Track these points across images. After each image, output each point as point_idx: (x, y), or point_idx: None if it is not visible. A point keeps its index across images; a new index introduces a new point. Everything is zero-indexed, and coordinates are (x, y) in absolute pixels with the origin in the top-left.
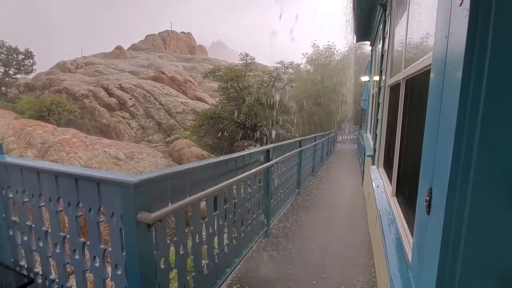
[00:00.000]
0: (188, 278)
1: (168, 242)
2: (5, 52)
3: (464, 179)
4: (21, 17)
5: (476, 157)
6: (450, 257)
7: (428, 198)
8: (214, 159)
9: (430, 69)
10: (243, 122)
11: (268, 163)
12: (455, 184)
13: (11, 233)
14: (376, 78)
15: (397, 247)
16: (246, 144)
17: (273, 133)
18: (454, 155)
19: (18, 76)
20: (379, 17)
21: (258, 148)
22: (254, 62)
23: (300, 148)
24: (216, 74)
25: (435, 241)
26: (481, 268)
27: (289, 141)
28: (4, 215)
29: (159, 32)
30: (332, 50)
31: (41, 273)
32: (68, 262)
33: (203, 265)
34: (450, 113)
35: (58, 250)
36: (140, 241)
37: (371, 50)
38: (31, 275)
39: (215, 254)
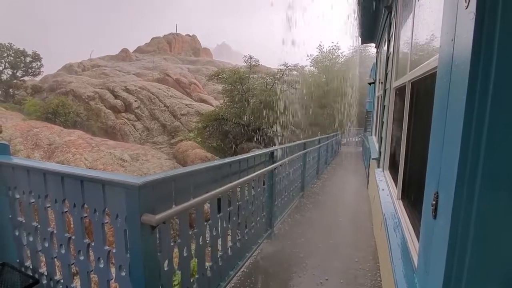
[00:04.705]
0: (191, 280)
1: (171, 244)
2: (13, 55)
3: (470, 183)
4: (28, 20)
5: (483, 161)
6: (456, 262)
7: (434, 202)
8: (218, 161)
9: (436, 71)
10: (247, 124)
11: (272, 165)
12: (461, 189)
13: (17, 233)
14: (382, 80)
15: (402, 251)
16: (250, 146)
17: (277, 135)
18: (461, 159)
19: (26, 78)
20: (384, 20)
21: (262, 150)
22: (258, 64)
23: (305, 151)
24: (221, 76)
25: (442, 246)
26: (488, 274)
27: (293, 143)
28: (10, 216)
29: (165, 35)
30: (336, 51)
31: (46, 274)
32: (73, 263)
33: (206, 267)
34: (457, 117)
35: (63, 251)
36: (144, 242)
37: (376, 52)
38: (36, 276)
39: (218, 256)
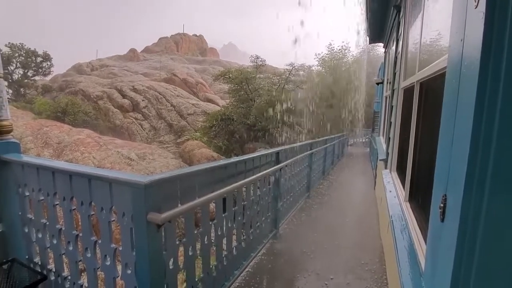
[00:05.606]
0: (196, 280)
1: (177, 243)
2: (24, 55)
3: (479, 186)
4: (30, 21)
5: (492, 163)
6: (464, 266)
7: (442, 205)
8: (224, 161)
9: (445, 72)
10: (253, 124)
11: (278, 165)
12: (470, 191)
13: (26, 230)
14: (390, 80)
15: (409, 254)
16: (256, 146)
17: (283, 135)
18: (470, 161)
19: (36, 78)
20: (392, 19)
21: (268, 151)
22: (265, 64)
23: (311, 151)
24: (227, 76)
25: (449, 249)
26: (497, 278)
27: (299, 143)
28: (20, 213)
29: (172, 35)
30: (345, 51)
31: (54, 270)
32: (80, 260)
33: (211, 266)
34: (466, 118)
35: (71, 248)
36: (149, 241)
37: (385, 52)
38: (45, 272)
39: (223, 256)
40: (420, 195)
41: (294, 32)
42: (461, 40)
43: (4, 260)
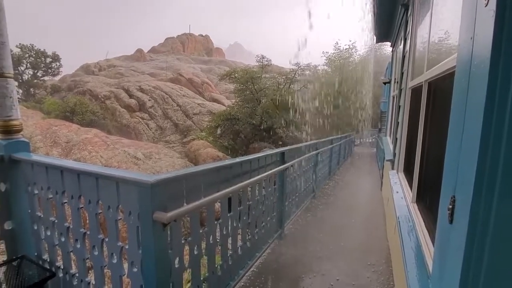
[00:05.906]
0: (201, 279)
1: (182, 241)
2: (34, 55)
3: (489, 187)
4: (39, 21)
5: (502, 164)
6: (473, 269)
7: (450, 206)
8: (229, 161)
9: (454, 71)
10: (259, 124)
11: (283, 165)
12: (479, 192)
13: (35, 228)
14: (397, 79)
15: (417, 256)
16: (261, 145)
17: (289, 135)
18: (479, 161)
19: (46, 78)
20: (400, 18)
21: (273, 150)
22: (271, 63)
23: (317, 151)
24: (233, 76)
25: (458, 252)
26: (506, 281)
27: (305, 143)
28: (29, 211)
29: (178, 35)
30: (352, 50)
31: (62, 267)
32: (88, 258)
33: (217, 266)
34: (476, 117)
35: (78, 246)
36: (155, 240)
37: (392, 51)
38: (53, 269)
39: (228, 255)
40: (428, 196)
41: (301, 33)
42: (471, 39)
43: (14, 257)
